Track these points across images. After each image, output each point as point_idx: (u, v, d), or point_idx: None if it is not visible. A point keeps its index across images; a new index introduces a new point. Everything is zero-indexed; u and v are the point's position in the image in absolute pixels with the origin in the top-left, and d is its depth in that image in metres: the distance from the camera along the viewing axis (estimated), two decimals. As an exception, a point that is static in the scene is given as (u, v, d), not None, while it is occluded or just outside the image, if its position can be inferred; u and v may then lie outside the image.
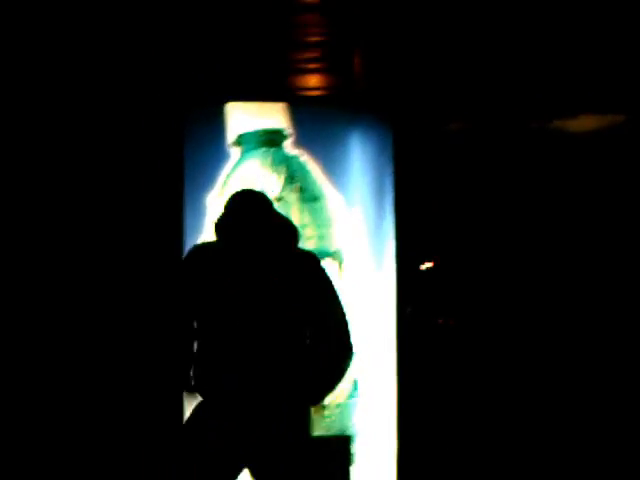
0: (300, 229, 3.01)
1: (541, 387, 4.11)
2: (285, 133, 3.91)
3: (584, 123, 4.19)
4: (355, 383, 3.84)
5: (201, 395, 2.88)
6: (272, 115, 3.92)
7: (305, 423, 2.86)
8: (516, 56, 4.08)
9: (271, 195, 3.60)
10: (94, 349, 4.04)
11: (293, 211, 3.84)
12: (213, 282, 2.83)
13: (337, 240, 3.89)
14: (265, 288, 2.81)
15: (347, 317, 2.90)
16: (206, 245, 3.00)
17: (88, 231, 4.08)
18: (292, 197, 3.87)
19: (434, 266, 4.19)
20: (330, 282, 2.90)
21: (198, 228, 3.87)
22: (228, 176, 3.92)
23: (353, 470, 3.79)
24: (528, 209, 4.23)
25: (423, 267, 4.17)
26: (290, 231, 2.94)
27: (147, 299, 3.98)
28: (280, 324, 2.80)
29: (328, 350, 2.86)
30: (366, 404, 3.85)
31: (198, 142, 3.92)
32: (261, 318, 2.79)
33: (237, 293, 2.80)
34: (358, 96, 4.09)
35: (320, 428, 3.74)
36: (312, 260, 2.91)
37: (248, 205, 2.89)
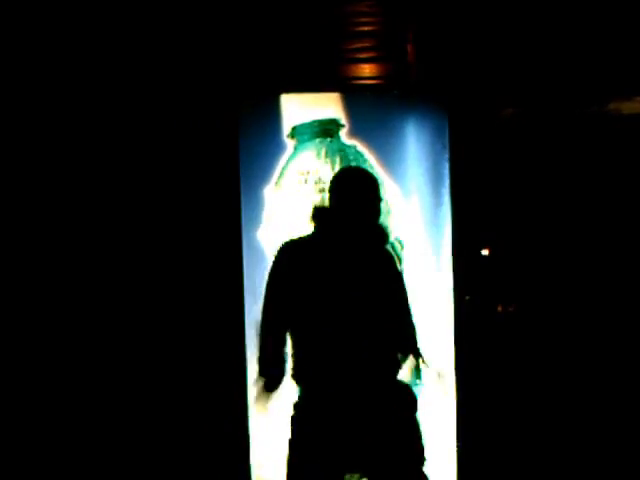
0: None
1: (600, 375, 4.07)
2: (340, 123, 3.91)
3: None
4: (418, 369, 3.84)
5: (302, 385, 2.99)
6: (326, 105, 3.92)
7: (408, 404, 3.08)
8: (571, 40, 4.01)
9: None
10: (152, 343, 4.09)
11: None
12: (310, 276, 2.96)
13: (394, 230, 3.88)
14: (358, 281, 2.96)
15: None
16: (298, 240, 3.08)
17: (146, 224, 4.12)
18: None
19: (491, 253, 4.16)
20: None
21: (255, 220, 3.89)
22: (284, 168, 3.93)
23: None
24: (585, 193, 4.17)
25: (481, 254, 4.14)
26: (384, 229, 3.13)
27: (206, 291, 4.05)
28: (370, 314, 2.97)
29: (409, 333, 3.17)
30: (428, 394, 3.85)
31: (253, 135, 3.93)
32: (356, 309, 2.93)
33: (334, 286, 2.94)
34: (412, 84, 4.07)
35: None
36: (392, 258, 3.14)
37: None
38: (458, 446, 3.85)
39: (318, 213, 3.07)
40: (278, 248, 3.08)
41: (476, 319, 4.00)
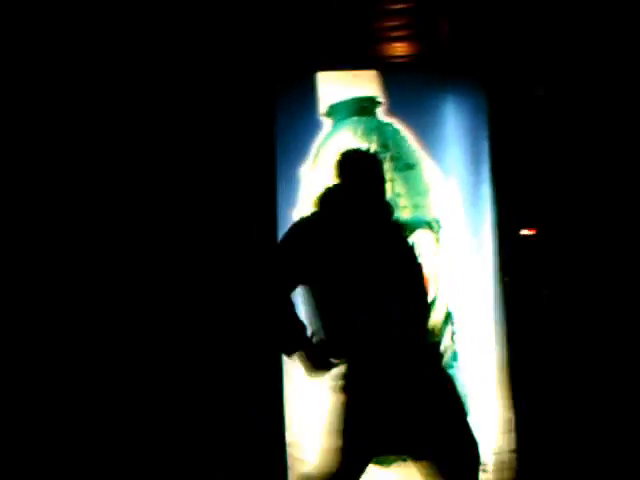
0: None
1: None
2: (377, 101, 3.86)
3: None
4: (455, 354, 3.80)
5: (350, 358, 2.97)
6: (363, 84, 3.88)
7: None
8: (606, 20, 3.93)
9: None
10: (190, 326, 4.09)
11: (387, 180, 3.79)
12: (334, 250, 2.97)
13: (433, 209, 3.83)
14: (380, 251, 3.00)
15: None
16: (312, 217, 3.10)
17: (182, 204, 4.11)
18: (386, 166, 3.80)
19: (533, 233, 4.08)
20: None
21: (291, 200, 3.86)
22: (320, 147, 3.89)
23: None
24: (624, 172, 4.08)
25: (522, 234, 4.06)
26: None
27: (243, 271, 4.03)
28: (397, 281, 3.01)
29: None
30: (465, 375, 3.80)
31: (290, 114, 3.90)
32: (383, 278, 2.98)
33: (360, 258, 2.97)
34: (450, 61, 3.99)
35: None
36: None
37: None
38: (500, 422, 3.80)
39: (327, 195, 3.11)
40: (292, 225, 3.11)
41: (517, 301, 3.92)
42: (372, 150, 3.39)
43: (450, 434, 2.97)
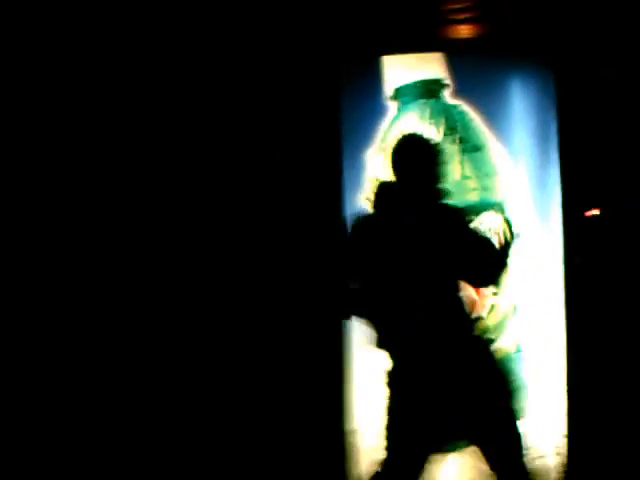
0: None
1: None
2: (443, 83, 3.84)
3: None
4: (520, 338, 3.77)
5: (389, 352, 3.06)
6: (429, 66, 3.86)
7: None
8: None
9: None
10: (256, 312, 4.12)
11: (455, 163, 3.77)
12: (381, 248, 3.03)
13: (501, 191, 3.80)
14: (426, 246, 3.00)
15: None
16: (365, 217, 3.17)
17: (248, 187, 4.12)
18: (453, 148, 3.79)
19: (602, 214, 4.02)
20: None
21: (357, 184, 3.86)
22: (387, 131, 3.88)
23: (522, 424, 3.72)
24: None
25: (590, 215, 4.01)
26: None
27: (308, 257, 4.04)
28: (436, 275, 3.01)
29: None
30: (533, 357, 3.78)
31: (355, 97, 3.89)
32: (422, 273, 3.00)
33: (403, 256, 3.00)
34: (516, 42, 3.94)
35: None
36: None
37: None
38: (569, 416, 3.76)
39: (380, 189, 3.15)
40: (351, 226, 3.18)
41: (586, 282, 3.87)
42: (428, 136, 3.34)
43: (490, 426, 3.01)
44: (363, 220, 3.16)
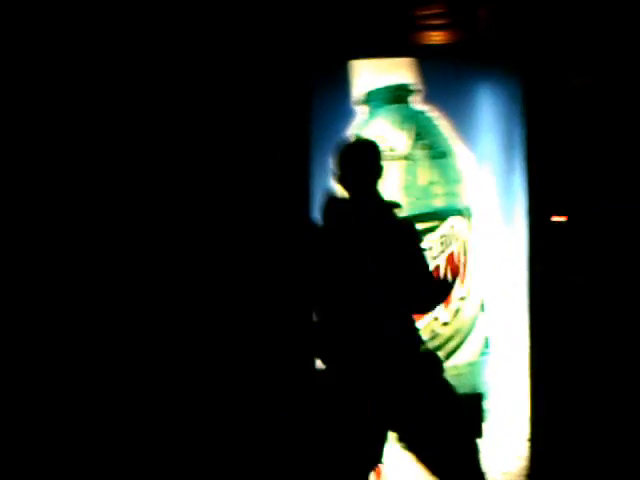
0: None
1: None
2: (412, 88, 3.87)
3: None
4: (487, 340, 3.82)
5: (326, 361, 3.08)
6: (399, 71, 3.88)
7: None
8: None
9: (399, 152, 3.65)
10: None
11: (421, 168, 3.81)
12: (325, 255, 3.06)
13: (466, 197, 3.84)
14: (374, 255, 3.00)
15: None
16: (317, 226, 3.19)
17: (217, 189, 4.14)
18: (420, 154, 3.83)
19: (566, 221, 4.07)
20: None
21: (325, 188, 3.86)
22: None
23: (485, 427, 3.77)
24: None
25: (554, 222, 4.06)
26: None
27: (275, 260, 4.06)
28: (385, 282, 3.00)
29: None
30: (498, 361, 3.82)
31: (325, 101, 3.91)
32: (371, 282, 2.99)
33: (353, 263, 3.00)
34: (485, 48, 3.99)
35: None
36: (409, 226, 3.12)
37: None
38: (531, 417, 3.81)
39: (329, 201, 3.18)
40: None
41: (549, 288, 3.92)
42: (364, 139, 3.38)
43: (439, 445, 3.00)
44: (316, 228, 3.18)
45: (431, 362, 3.09)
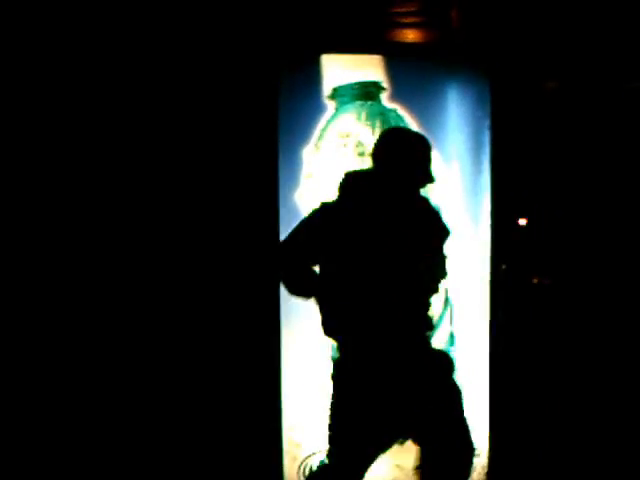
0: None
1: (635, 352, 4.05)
2: (381, 86, 3.87)
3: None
4: (452, 336, 3.84)
5: (339, 341, 3.03)
6: (368, 68, 3.89)
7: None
8: (617, 17, 3.97)
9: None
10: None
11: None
12: (350, 235, 3.00)
13: (433, 195, 3.85)
14: (397, 233, 3.00)
15: None
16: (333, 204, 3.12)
17: (182, 188, 4.11)
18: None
19: (530, 223, 4.13)
20: None
21: (293, 182, 3.87)
22: (323, 129, 3.90)
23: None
24: (626, 168, 4.13)
25: (519, 223, 4.11)
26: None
27: (241, 251, 4.05)
28: (409, 271, 3.00)
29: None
30: (461, 359, 3.84)
31: (293, 95, 3.90)
32: (394, 261, 2.97)
33: (375, 246, 2.98)
34: (456, 49, 4.02)
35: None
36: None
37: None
38: (491, 412, 3.84)
39: (352, 179, 3.11)
40: (318, 205, 3.14)
41: (512, 289, 3.97)
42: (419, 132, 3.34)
43: (440, 423, 3.01)
44: (333, 206, 3.11)
45: (443, 361, 3.12)
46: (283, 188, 3.88)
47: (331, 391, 3.06)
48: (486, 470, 3.84)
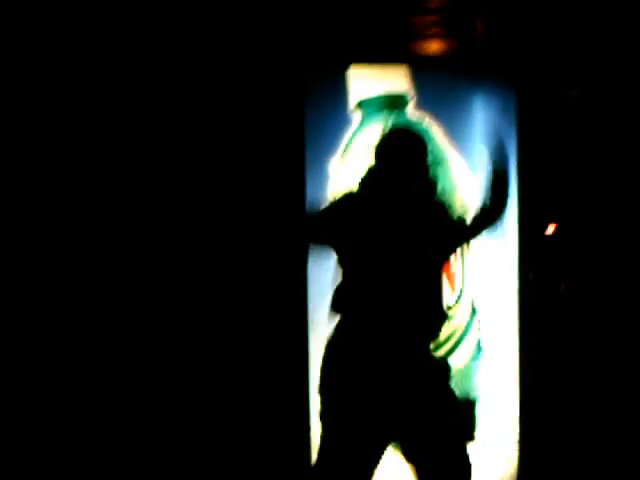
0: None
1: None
2: (407, 97, 3.90)
3: None
4: (479, 345, 3.85)
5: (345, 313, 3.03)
6: (394, 79, 3.91)
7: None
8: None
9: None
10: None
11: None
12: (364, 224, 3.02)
13: (460, 205, 3.87)
14: (410, 229, 3.01)
15: None
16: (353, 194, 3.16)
17: (212, 196, 4.16)
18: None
19: (557, 231, 4.13)
20: None
21: (320, 194, 3.89)
22: (349, 141, 3.93)
23: (477, 433, 3.80)
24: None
25: (546, 232, 4.11)
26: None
27: (271, 262, 4.09)
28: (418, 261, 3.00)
29: None
30: (489, 368, 3.86)
31: (320, 108, 3.93)
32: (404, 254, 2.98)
33: (387, 235, 3.00)
34: (481, 59, 4.04)
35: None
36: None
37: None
38: (521, 421, 3.85)
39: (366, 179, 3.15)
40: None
41: (540, 297, 3.98)
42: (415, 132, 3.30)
43: (431, 434, 2.95)
44: (353, 197, 3.15)
45: (441, 368, 3.09)
46: (310, 200, 3.91)
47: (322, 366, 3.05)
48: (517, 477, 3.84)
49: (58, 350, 4.07)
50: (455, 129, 3.89)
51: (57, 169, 4.11)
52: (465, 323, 3.83)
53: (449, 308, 3.82)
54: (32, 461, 3.99)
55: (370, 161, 3.17)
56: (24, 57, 4.09)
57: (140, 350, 4.09)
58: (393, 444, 3.05)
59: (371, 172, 3.15)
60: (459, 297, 3.85)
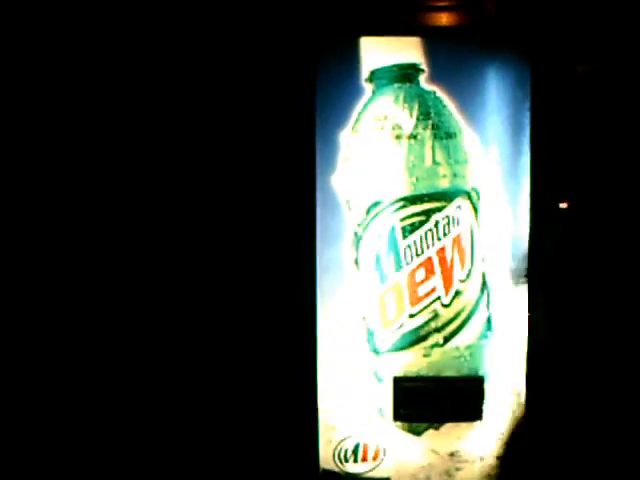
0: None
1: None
2: (420, 68, 3.84)
3: None
4: (489, 322, 3.82)
5: None
6: (406, 50, 3.85)
7: None
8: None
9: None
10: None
11: (427, 148, 3.80)
12: None
13: (472, 178, 3.82)
14: None
15: None
16: None
17: (222, 168, 4.13)
18: (426, 134, 3.82)
19: (570, 205, 4.08)
20: None
21: (330, 165, 3.86)
22: (361, 112, 3.88)
23: (484, 411, 3.79)
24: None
25: (559, 206, 4.06)
26: None
27: (279, 235, 4.06)
28: None
29: None
30: (498, 345, 3.83)
31: (331, 78, 3.88)
32: None
33: None
34: (495, 30, 3.96)
35: (451, 369, 3.77)
36: None
37: None
38: (527, 401, 3.82)
39: None
40: None
41: (551, 271, 3.94)
42: None
43: None
44: None
45: None
46: (320, 171, 3.87)
47: None
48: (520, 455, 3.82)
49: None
50: (468, 101, 3.82)
51: (71, 166, 4.10)
52: (475, 299, 3.80)
53: (463, 281, 3.80)
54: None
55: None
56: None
57: (148, 328, 4.09)
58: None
59: None
60: (469, 272, 3.81)
